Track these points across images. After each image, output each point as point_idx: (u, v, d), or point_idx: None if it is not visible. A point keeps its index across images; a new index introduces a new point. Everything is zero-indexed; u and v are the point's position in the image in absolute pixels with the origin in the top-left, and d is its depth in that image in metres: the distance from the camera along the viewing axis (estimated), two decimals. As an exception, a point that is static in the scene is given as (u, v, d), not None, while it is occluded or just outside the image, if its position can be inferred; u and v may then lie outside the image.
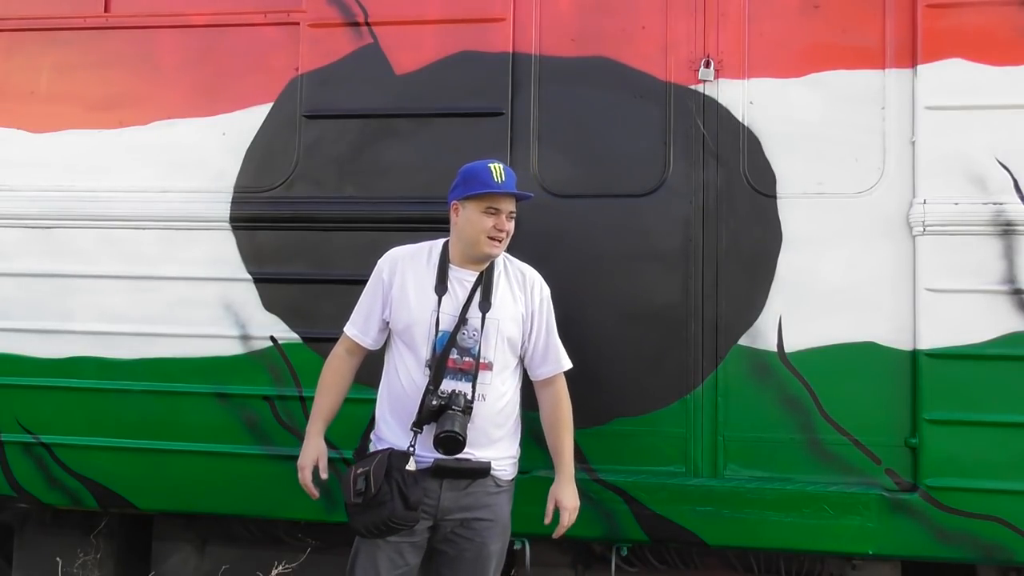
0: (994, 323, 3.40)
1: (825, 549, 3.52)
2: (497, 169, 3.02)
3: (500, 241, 3.04)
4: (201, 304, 3.86)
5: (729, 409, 3.58)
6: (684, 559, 3.80)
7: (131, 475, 3.90)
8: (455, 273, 3.09)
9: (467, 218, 3.04)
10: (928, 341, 3.42)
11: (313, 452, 3.12)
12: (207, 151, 3.91)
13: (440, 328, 3.02)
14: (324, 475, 3.12)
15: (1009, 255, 3.40)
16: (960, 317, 3.41)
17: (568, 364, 3.20)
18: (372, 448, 3.13)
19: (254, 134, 3.89)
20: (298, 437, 3.74)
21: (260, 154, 3.88)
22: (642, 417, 3.62)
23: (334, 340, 3.75)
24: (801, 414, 3.53)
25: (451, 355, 3.00)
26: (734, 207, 3.60)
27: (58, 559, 3.91)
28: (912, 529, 3.42)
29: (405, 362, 3.06)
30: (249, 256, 3.85)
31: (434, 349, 3.01)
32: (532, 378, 3.20)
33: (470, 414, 2.94)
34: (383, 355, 3.21)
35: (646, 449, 3.62)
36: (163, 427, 3.86)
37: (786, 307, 3.55)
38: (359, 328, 3.18)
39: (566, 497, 3.14)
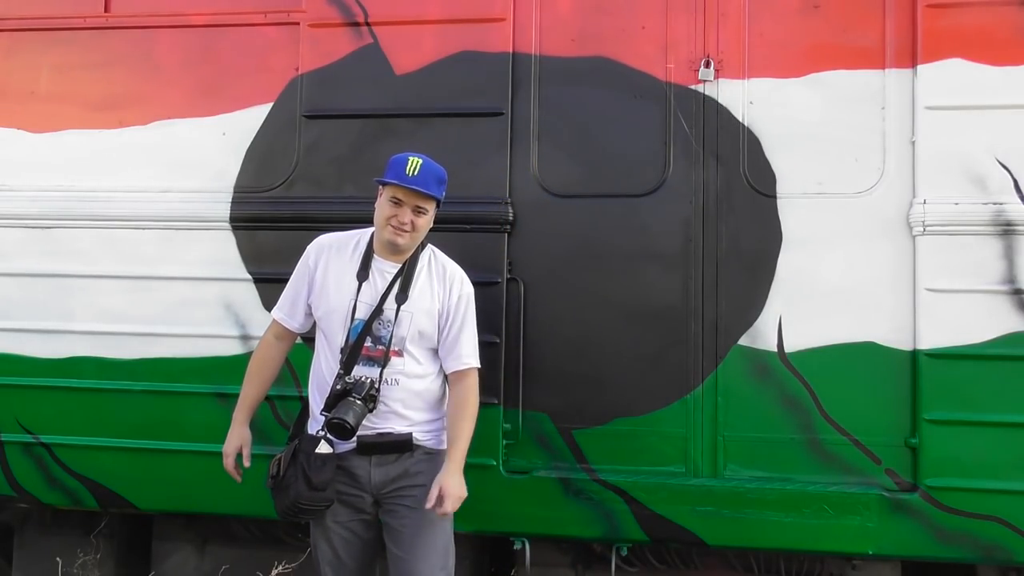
0: (994, 323, 3.40)
1: (825, 549, 3.52)
2: (413, 163, 3.04)
3: (402, 232, 3.05)
4: (201, 304, 3.86)
5: (729, 409, 3.57)
6: (684, 559, 3.80)
7: (131, 475, 3.90)
8: (378, 264, 3.14)
9: (379, 204, 3.12)
10: (928, 341, 3.42)
11: (237, 440, 3.24)
12: (207, 151, 3.91)
13: (356, 316, 3.08)
14: (247, 463, 3.23)
15: (1009, 255, 3.40)
16: (960, 317, 3.41)
17: (472, 363, 3.16)
18: (308, 428, 3.20)
19: (254, 134, 3.89)
20: (298, 437, 3.75)
21: (260, 154, 3.88)
22: (642, 417, 3.62)
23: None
24: (801, 414, 3.53)
25: (365, 343, 3.07)
26: (734, 207, 3.60)
27: (58, 559, 3.92)
28: (912, 529, 3.42)
29: (325, 347, 3.15)
30: (249, 256, 3.85)
31: (349, 336, 3.08)
32: (444, 371, 3.19)
33: (372, 402, 3.01)
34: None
35: (646, 449, 3.62)
36: (163, 427, 3.86)
37: (786, 307, 3.54)
38: (286, 312, 3.26)
39: (450, 484, 2.99)
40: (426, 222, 3.11)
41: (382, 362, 3.06)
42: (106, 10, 4.06)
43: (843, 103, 3.56)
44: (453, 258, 3.25)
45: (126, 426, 3.90)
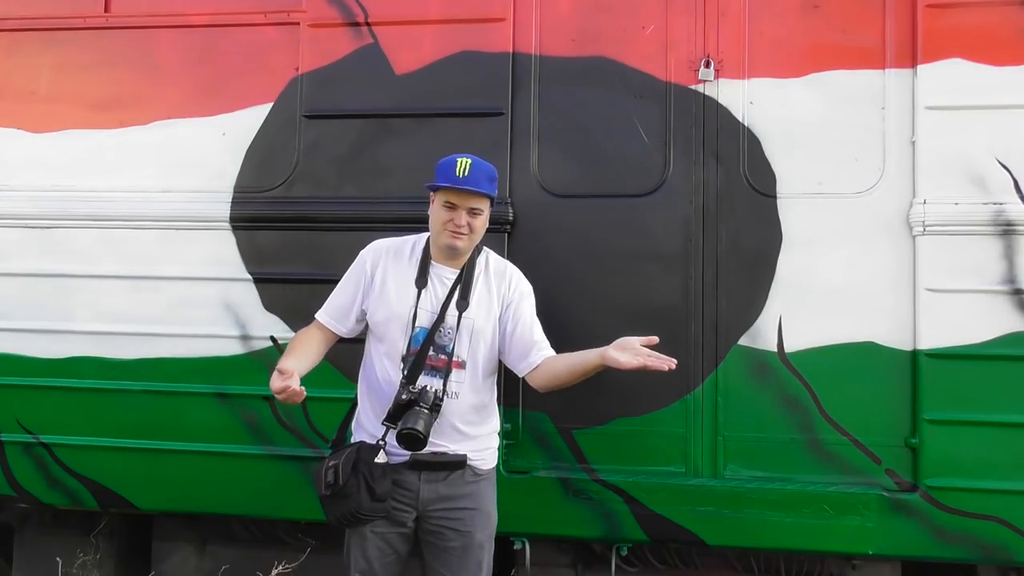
0: (994, 323, 3.39)
1: (825, 549, 3.52)
2: (463, 164, 2.98)
3: (460, 235, 3.00)
4: (201, 304, 3.86)
5: (729, 409, 3.57)
6: (684, 559, 3.80)
7: (131, 475, 3.90)
8: (435, 270, 3.09)
9: (433, 210, 3.07)
10: (928, 341, 3.42)
11: (288, 362, 2.94)
12: (207, 151, 3.91)
13: (418, 324, 3.03)
14: (298, 389, 2.88)
15: (1009, 255, 3.40)
16: (960, 317, 3.40)
17: (549, 352, 3.11)
18: (352, 436, 3.16)
19: (254, 134, 3.88)
20: (298, 437, 3.76)
21: (260, 154, 3.88)
22: (642, 417, 3.62)
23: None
24: (801, 414, 3.53)
25: (428, 352, 3.01)
26: (734, 207, 3.60)
27: (58, 559, 3.91)
28: (912, 529, 3.42)
29: (381, 355, 3.08)
30: (249, 256, 3.85)
31: (410, 344, 3.03)
32: (516, 373, 3.15)
33: (438, 412, 2.95)
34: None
35: (646, 449, 3.62)
36: (163, 427, 3.86)
37: (786, 307, 3.54)
38: (335, 318, 3.16)
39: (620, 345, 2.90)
40: (482, 223, 3.05)
41: (444, 372, 3.01)
42: (106, 10, 4.06)
43: (843, 103, 3.55)
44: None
45: (126, 426, 3.89)
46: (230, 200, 3.87)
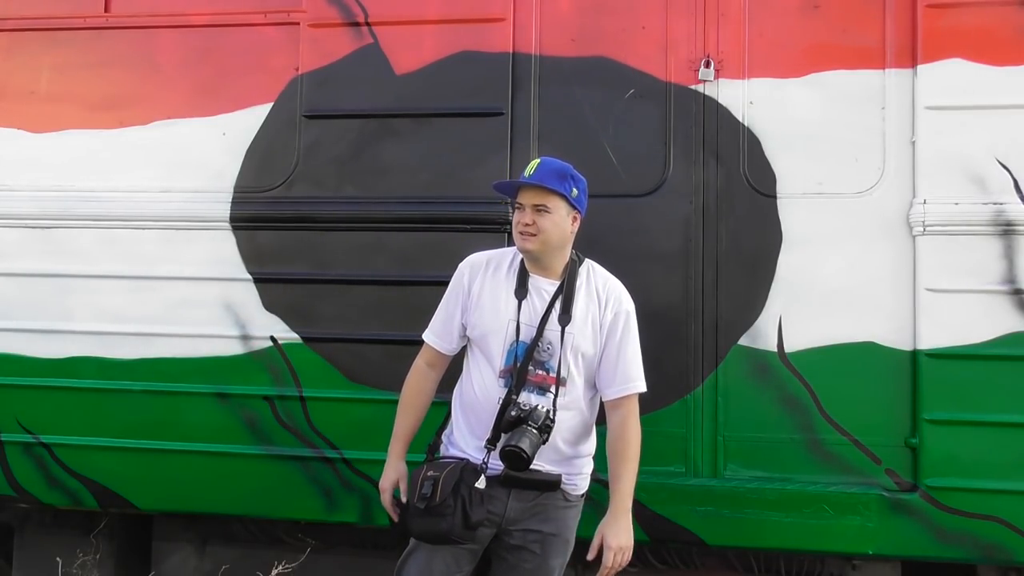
0: (994, 323, 3.39)
1: (825, 549, 3.52)
2: (532, 164, 2.91)
3: (527, 235, 2.86)
4: (201, 304, 3.86)
5: (729, 409, 3.58)
6: (684, 559, 3.80)
7: (131, 475, 3.90)
8: (534, 282, 2.95)
9: None
10: (928, 341, 3.42)
11: (393, 474, 2.99)
12: (207, 151, 3.91)
13: (519, 338, 2.90)
14: (404, 498, 2.95)
15: (1009, 255, 3.40)
16: (960, 317, 3.41)
17: (641, 387, 2.97)
18: (443, 450, 3.03)
19: (254, 134, 3.88)
20: (298, 437, 3.76)
21: (260, 154, 3.88)
22: (642, 417, 3.59)
23: (334, 340, 3.76)
24: (801, 414, 3.53)
25: (528, 368, 2.89)
26: (734, 207, 3.60)
27: (58, 559, 3.91)
28: (912, 529, 3.42)
29: (480, 370, 2.96)
30: (249, 256, 3.85)
31: (514, 359, 2.89)
32: (602, 398, 3.01)
33: (548, 434, 2.82)
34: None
35: (646, 449, 3.59)
36: (163, 427, 3.86)
37: (786, 307, 3.54)
38: (439, 335, 3.04)
39: (612, 534, 2.87)
40: (552, 222, 2.87)
41: (548, 390, 2.88)
42: (106, 10, 4.06)
43: (843, 103, 3.55)
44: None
45: (126, 426, 3.89)
46: (230, 200, 3.87)
